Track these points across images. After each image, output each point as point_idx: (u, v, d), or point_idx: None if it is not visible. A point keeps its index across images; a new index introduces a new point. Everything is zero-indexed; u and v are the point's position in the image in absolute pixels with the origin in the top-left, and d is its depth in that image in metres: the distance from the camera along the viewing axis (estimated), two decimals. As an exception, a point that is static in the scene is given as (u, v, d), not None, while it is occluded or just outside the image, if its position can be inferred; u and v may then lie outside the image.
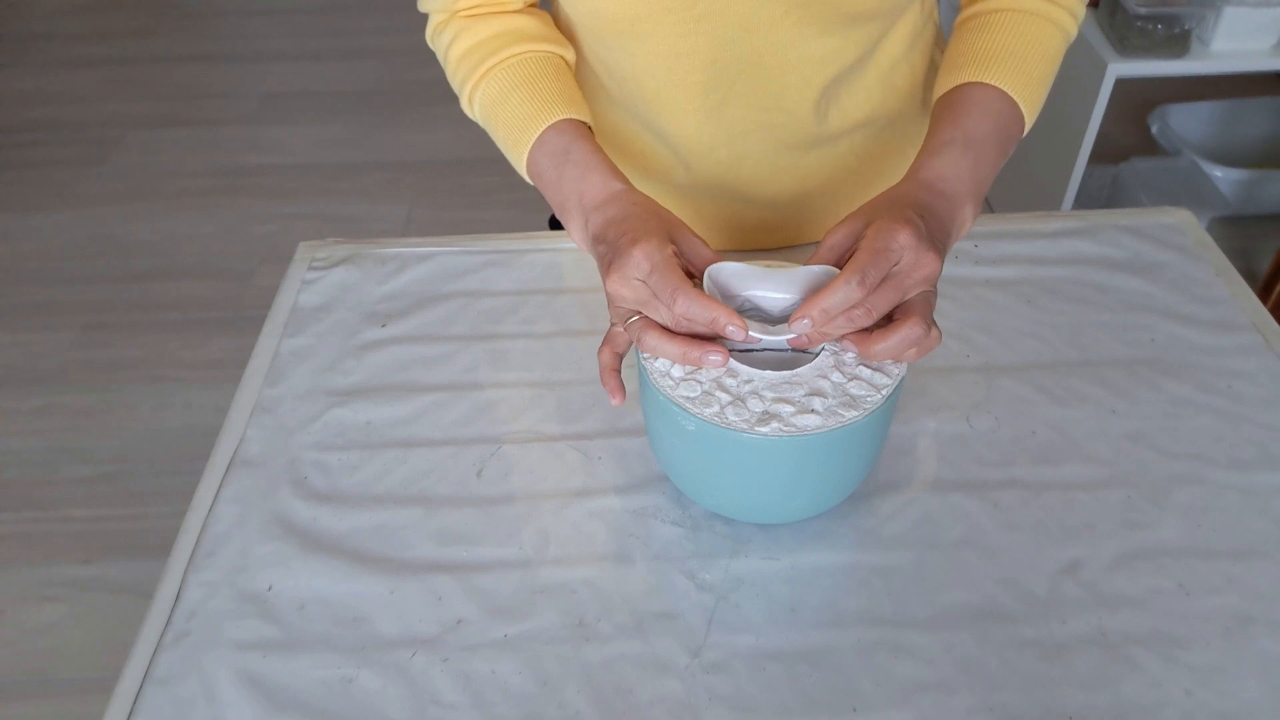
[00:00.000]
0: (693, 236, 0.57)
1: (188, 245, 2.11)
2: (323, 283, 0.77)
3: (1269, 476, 0.61)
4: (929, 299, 0.53)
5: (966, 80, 0.62)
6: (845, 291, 0.50)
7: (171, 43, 2.89)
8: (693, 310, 0.51)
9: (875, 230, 0.52)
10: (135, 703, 0.51)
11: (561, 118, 0.64)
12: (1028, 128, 0.64)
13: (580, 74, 0.75)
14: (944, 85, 0.64)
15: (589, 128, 0.66)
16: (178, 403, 1.74)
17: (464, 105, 0.70)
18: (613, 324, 0.58)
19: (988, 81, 0.61)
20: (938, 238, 0.54)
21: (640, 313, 0.54)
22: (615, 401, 0.57)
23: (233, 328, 1.90)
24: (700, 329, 0.52)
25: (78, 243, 2.12)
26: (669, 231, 0.56)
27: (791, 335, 0.51)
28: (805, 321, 0.50)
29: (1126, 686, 0.50)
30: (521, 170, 0.67)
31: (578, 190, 0.61)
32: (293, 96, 2.62)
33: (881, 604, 0.54)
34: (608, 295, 0.55)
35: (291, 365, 0.70)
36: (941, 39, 0.78)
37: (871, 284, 0.50)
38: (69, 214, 2.20)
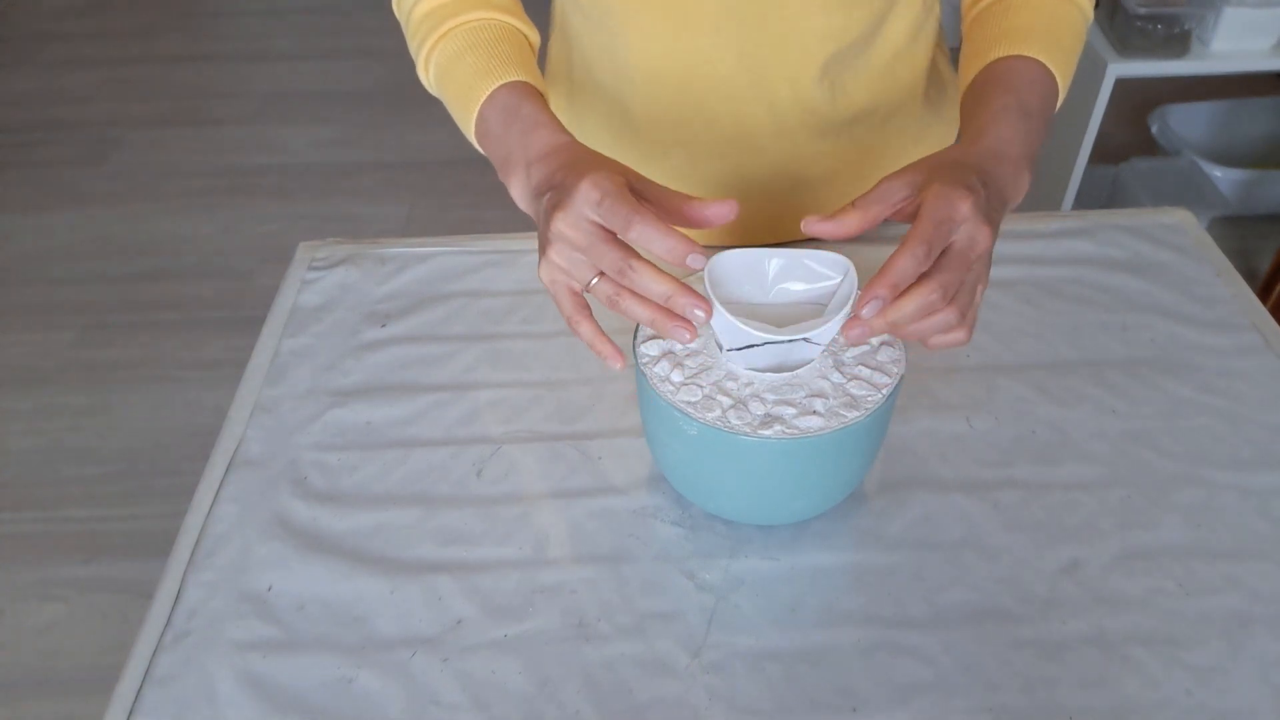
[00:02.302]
0: (642, 177, 0.52)
1: (188, 245, 2.11)
2: (323, 283, 0.77)
3: (1269, 476, 0.61)
4: (976, 285, 0.51)
5: (1005, 54, 0.61)
6: (912, 263, 0.46)
7: (171, 43, 2.89)
8: (649, 235, 0.47)
9: (937, 197, 0.48)
10: (135, 703, 0.51)
11: (515, 79, 0.61)
12: (1059, 103, 0.63)
13: (570, 67, 0.75)
14: (980, 61, 0.63)
15: (542, 95, 0.63)
16: (178, 403, 1.74)
17: (419, 70, 0.67)
18: (555, 297, 0.52)
19: (1027, 54, 0.61)
20: (995, 207, 0.52)
21: (600, 274, 0.49)
22: (617, 365, 0.52)
23: (233, 328, 1.90)
24: (659, 260, 0.48)
25: (78, 243, 2.12)
26: (621, 170, 0.51)
27: (832, 325, 0.49)
28: (876, 302, 0.47)
29: (1126, 686, 0.50)
30: (469, 130, 0.63)
31: (523, 144, 0.57)
32: (293, 96, 2.62)
33: (881, 604, 0.54)
34: (550, 248, 0.50)
35: (291, 365, 0.70)
36: (943, 39, 0.79)
37: (934, 256, 0.47)
38: (69, 214, 2.20)
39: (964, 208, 0.48)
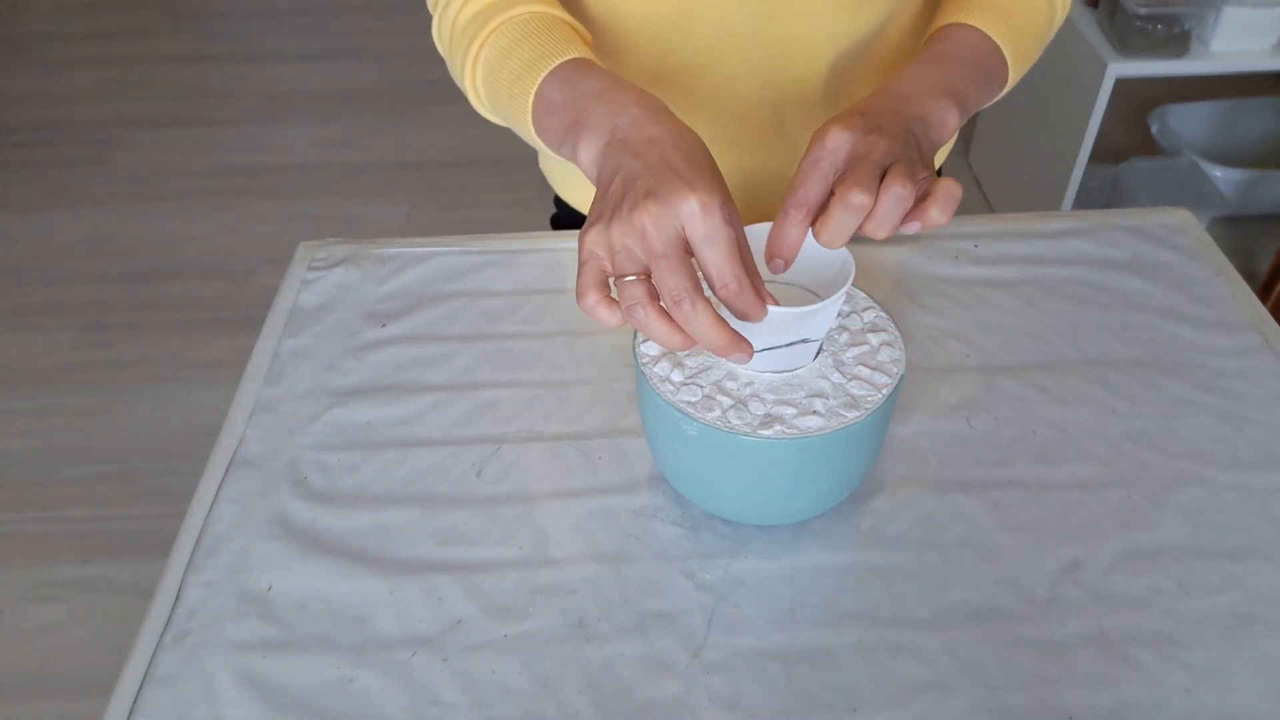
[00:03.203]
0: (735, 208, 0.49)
1: (188, 245, 2.11)
2: (323, 283, 0.77)
3: (1269, 476, 0.61)
4: (907, 162, 0.51)
5: (942, 24, 0.63)
6: (803, 175, 0.50)
7: (171, 43, 2.89)
8: (708, 320, 0.45)
9: (809, 146, 0.52)
10: (135, 703, 0.51)
11: (579, 56, 0.58)
12: (1013, 74, 0.64)
13: None
14: (932, 26, 0.65)
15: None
16: (178, 403, 1.74)
17: (464, 74, 0.63)
18: (584, 265, 0.48)
19: (965, 22, 0.62)
20: (885, 127, 0.52)
21: (640, 274, 0.46)
22: (612, 320, 0.47)
23: (233, 328, 1.90)
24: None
25: (78, 243, 2.12)
26: (726, 188, 0.48)
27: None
28: (779, 261, 0.50)
29: (1126, 686, 0.50)
30: (525, 115, 0.58)
31: (605, 99, 0.53)
32: (293, 96, 2.62)
33: (881, 604, 0.54)
34: (616, 226, 0.46)
35: (291, 365, 0.70)
36: None
37: (817, 197, 0.50)
38: (69, 214, 2.20)
39: (829, 139, 0.51)
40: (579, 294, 0.48)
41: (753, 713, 0.50)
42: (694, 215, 0.45)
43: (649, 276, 0.46)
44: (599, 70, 0.56)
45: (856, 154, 0.51)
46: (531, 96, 0.57)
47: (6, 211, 2.21)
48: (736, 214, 0.48)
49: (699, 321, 0.45)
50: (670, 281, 0.45)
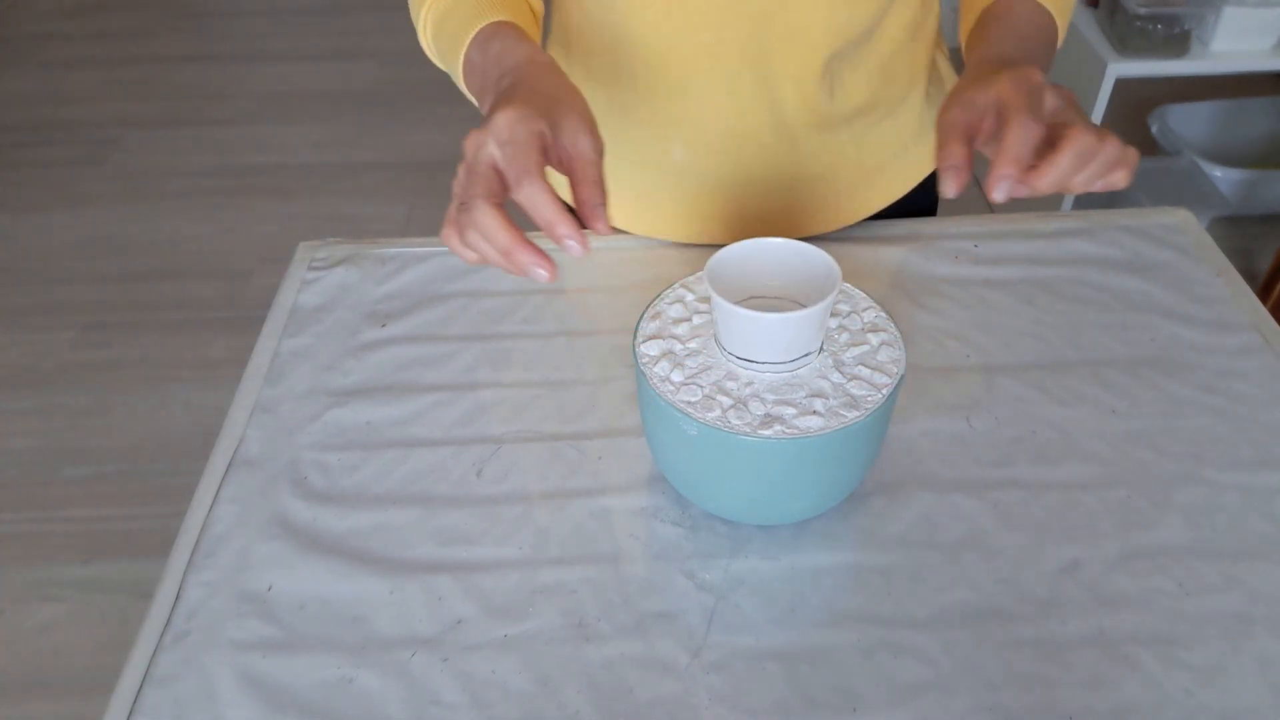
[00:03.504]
0: (579, 126, 0.51)
1: (188, 245, 2.11)
2: (323, 283, 0.77)
3: (1269, 476, 0.61)
4: (1080, 113, 0.52)
5: None
6: (1026, 131, 0.48)
7: (171, 43, 2.89)
8: (535, 201, 0.47)
9: (1014, 79, 0.51)
10: (135, 703, 0.51)
11: (500, 19, 0.61)
12: (1060, 41, 0.66)
13: (569, 64, 0.75)
14: (979, 3, 0.66)
15: (524, 32, 0.62)
16: (178, 403, 1.74)
17: (421, 38, 0.67)
18: (456, 195, 0.51)
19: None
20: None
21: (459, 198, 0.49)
22: (548, 274, 0.48)
23: (233, 328, 1.90)
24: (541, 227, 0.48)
25: (78, 243, 2.12)
26: (551, 111, 0.51)
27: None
28: (1007, 182, 0.48)
29: (1126, 686, 0.50)
30: (460, 78, 0.63)
31: (498, 63, 0.57)
32: (293, 96, 2.62)
33: (881, 604, 0.54)
34: (462, 161, 0.50)
35: (291, 365, 0.70)
36: (942, 38, 0.79)
37: (1040, 119, 0.49)
38: (69, 214, 2.20)
39: (1037, 76, 0.51)
40: (442, 228, 0.51)
41: (753, 713, 0.50)
42: (499, 134, 0.48)
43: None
44: (511, 34, 0.59)
45: (1057, 103, 0.51)
46: (461, 61, 0.61)
47: (6, 211, 2.21)
48: (570, 135, 0.50)
49: (484, 222, 0.47)
50: (464, 191, 0.49)
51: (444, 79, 0.71)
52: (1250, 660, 0.51)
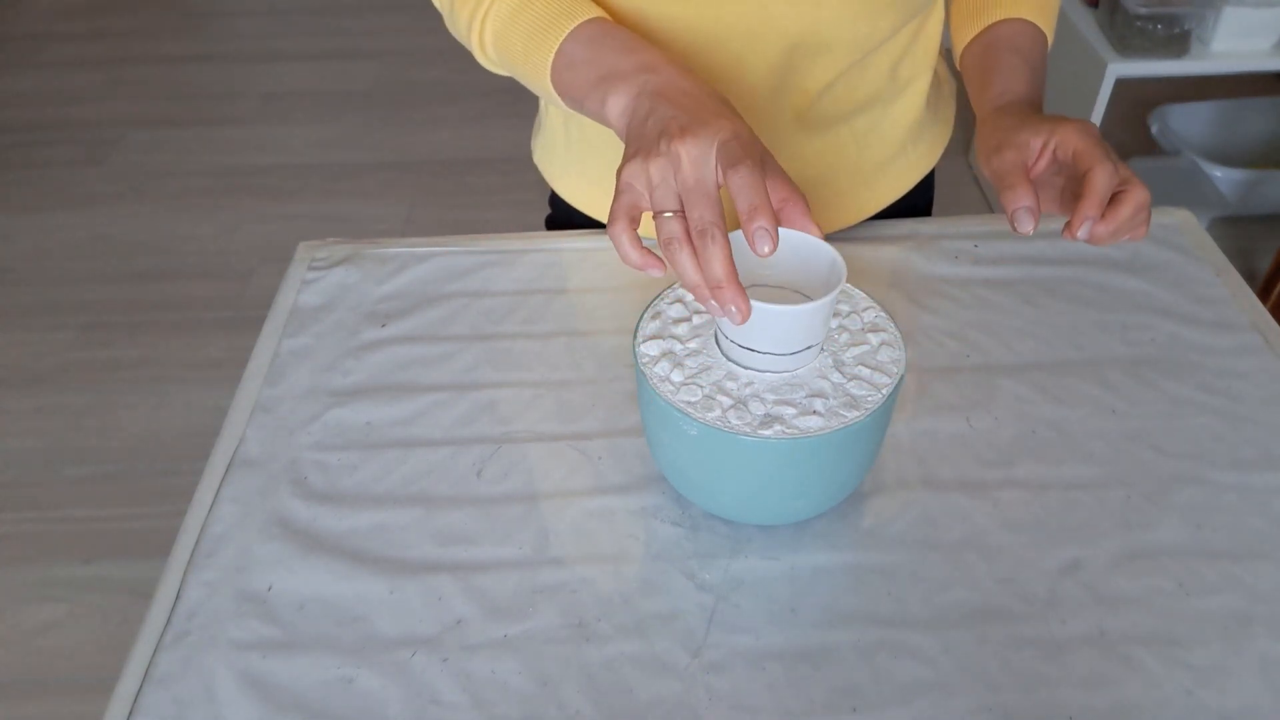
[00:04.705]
0: (774, 164, 0.51)
1: (188, 245, 2.11)
2: (323, 283, 0.77)
3: (1269, 476, 0.61)
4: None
5: (1002, 17, 0.70)
6: (1108, 179, 0.53)
7: (171, 43, 2.89)
8: (720, 252, 0.46)
9: (1082, 131, 0.56)
10: (135, 703, 0.51)
11: (598, 15, 0.59)
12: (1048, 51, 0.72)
13: None
14: (977, 21, 0.71)
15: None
16: (178, 403, 1.74)
17: (470, 24, 0.63)
18: (620, 195, 0.50)
19: (1024, 18, 0.69)
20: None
21: (678, 211, 0.48)
22: (657, 271, 0.49)
23: (233, 328, 1.90)
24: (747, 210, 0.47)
25: (78, 243, 2.12)
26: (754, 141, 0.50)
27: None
28: (1089, 223, 0.53)
29: (1126, 686, 0.50)
30: (544, 71, 0.59)
31: (633, 55, 0.55)
32: (293, 96, 2.62)
33: (881, 604, 0.54)
34: (654, 161, 0.48)
35: (291, 365, 0.70)
36: (942, 46, 0.79)
37: (1118, 170, 0.55)
38: (69, 214, 2.20)
39: (1095, 128, 0.56)
40: (610, 219, 0.50)
41: (753, 713, 0.50)
42: (728, 148, 0.47)
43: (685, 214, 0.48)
44: (624, 30, 0.58)
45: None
46: (553, 54, 0.58)
47: (6, 211, 2.21)
48: (767, 152, 0.50)
49: (714, 255, 0.47)
50: (696, 212, 0.47)
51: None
52: (1250, 660, 0.51)
